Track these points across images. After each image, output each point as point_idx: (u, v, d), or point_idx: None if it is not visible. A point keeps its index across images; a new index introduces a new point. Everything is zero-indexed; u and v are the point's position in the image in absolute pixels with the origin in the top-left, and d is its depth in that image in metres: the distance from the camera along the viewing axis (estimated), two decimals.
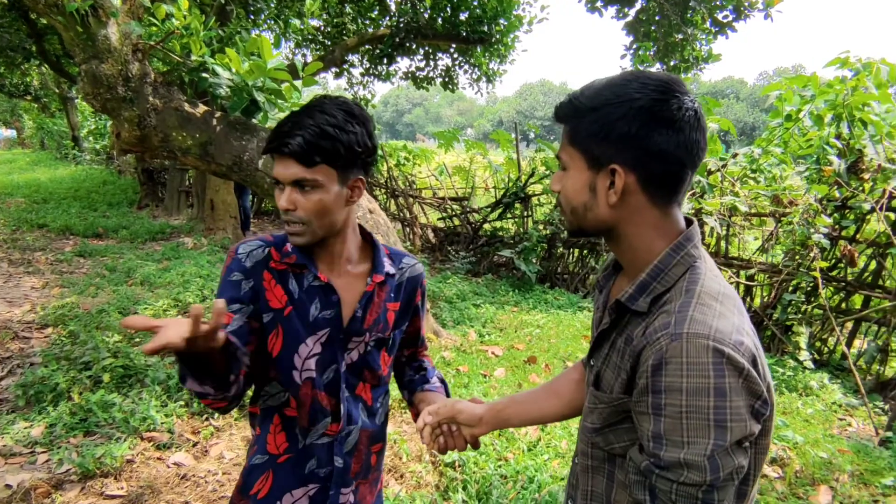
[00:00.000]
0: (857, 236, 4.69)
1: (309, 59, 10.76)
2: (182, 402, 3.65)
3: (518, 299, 6.47)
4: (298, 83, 4.25)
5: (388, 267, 1.40)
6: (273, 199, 4.17)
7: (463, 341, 5.03)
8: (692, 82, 7.81)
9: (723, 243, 5.61)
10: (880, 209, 4.07)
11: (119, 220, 10.36)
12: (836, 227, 4.55)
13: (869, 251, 4.62)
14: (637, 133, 0.92)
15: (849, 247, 4.17)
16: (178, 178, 11.88)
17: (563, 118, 1.01)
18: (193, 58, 3.97)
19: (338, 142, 1.19)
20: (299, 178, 1.20)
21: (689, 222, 1.03)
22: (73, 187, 14.13)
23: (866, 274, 4.67)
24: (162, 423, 3.39)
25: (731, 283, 5.53)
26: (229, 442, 3.38)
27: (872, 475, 3.09)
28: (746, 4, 6.40)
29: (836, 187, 4.46)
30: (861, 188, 4.37)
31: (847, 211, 4.58)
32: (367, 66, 11.36)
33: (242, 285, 1.27)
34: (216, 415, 3.57)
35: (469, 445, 1.36)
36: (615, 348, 1.03)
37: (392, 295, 1.41)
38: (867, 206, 4.24)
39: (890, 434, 3.44)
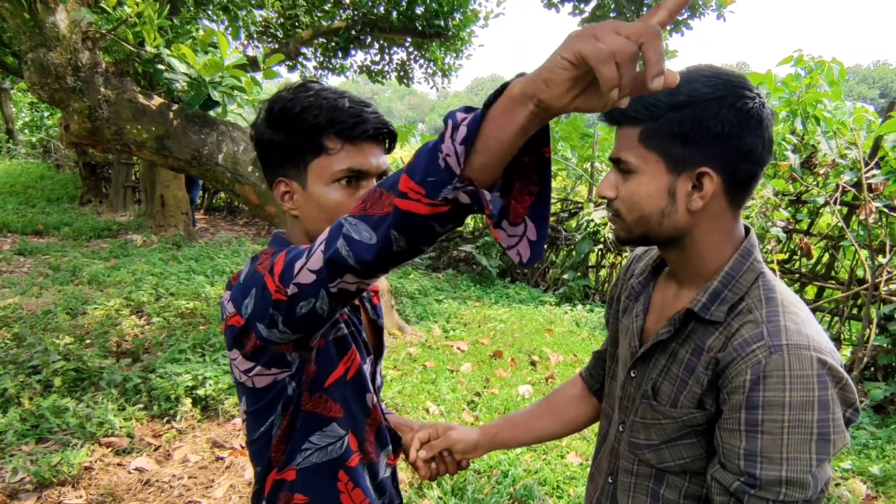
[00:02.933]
0: (811, 229, 4.89)
1: (261, 51, 10.52)
2: (141, 405, 3.52)
3: (480, 294, 6.49)
4: (258, 76, 4.15)
5: None
6: (235, 195, 4.06)
7: (427, 337, 5.01)
8: None
9: None
10: (833, 203, 4.25)
11: (60, 217, 9.91)
12: (791, 220, 4.73)
13: (822, 244, 4.83)
14: (730, 133, 0.87)
15: (805, 239, 4.33)
16: (123, 172, 11.45)
17: (631, 118, 0.91)
18: (148, 48, 3.82)
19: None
20: (386, 167, 1.06)
21: (746, 229, 0.99)
22: (8, 182, 13.42)
23: (819, 266, 4.87)
24: (120, 428, 3.26)
25: None
26: (193, 444, 3.27)
27: (832, 460, 3.22)
28: (700, 3, 6.57)
29: (791, 182, 4.63)
30: (815, 183, 4.55)
31: (801, 205, 4.77)
32: (321, 59, 11.18)
33: None
34: (178, 417, 3.46)
35: (459, 468, 1.33)
36: (677, 360, 0.97)
37: (375, 306, 1.30)
38: (821, 201, 4.42)
39: (858, 418, 3.59)
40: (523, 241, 0.73)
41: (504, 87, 0.63)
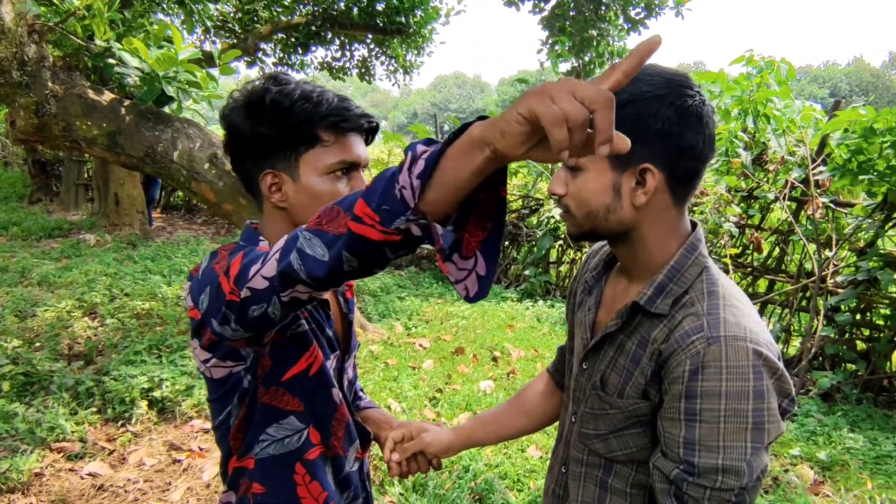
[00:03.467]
0: (762, 224, 5.04)
1: (219, 47, 10.32)
2: (94, 409, 3.43)
3: (442, 291, 6.50)
4: (215, 71, 4.07)
5: None
6: (191, 193, 3.99)
7: (390, 334, 5.00)
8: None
9: None
10: (783, 199, 4.38)
11: (8, 216, 9.58)
12: (744, 215, 4.87)
13: (773, 238, 4.98)
14: (670, 130, 0.89)
15: (756, 234, 4.45)
16: (75, 170, 11.11)
17: None
18: (97, 42, 3.72)
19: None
20: (368, 159, 1.08)
21: (692, 224, 1.02)
22: None
23: (770, 260, 5.02)
24: (73, 432, 3.17)
25: None
26: (149, 448, 3.21)
27: (781, 447, 3.33)
28: (657, 2, 6.71)
29: (743, 178, 4.76)
30: (766, 179, 4.69)
31: (753, 200, 4.91)
32: (281, 55, 11.03)
33: None
34: (133, 420, 3.38)
35: (431, 467, 1.33)
36: (623, 351, 0.99)
37: (349, 300, 1.31)
38: (771, 196, 4.56)
39: (794, 408, 3.72)
40: (472, 276, 0.74)
41: (465, 127, 0.65)
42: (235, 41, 10.14)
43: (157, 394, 3.56)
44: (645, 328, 0.97)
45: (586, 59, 8.01)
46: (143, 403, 3.50)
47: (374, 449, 3.13)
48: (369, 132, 1.09)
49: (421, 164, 0.66)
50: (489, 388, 4.01)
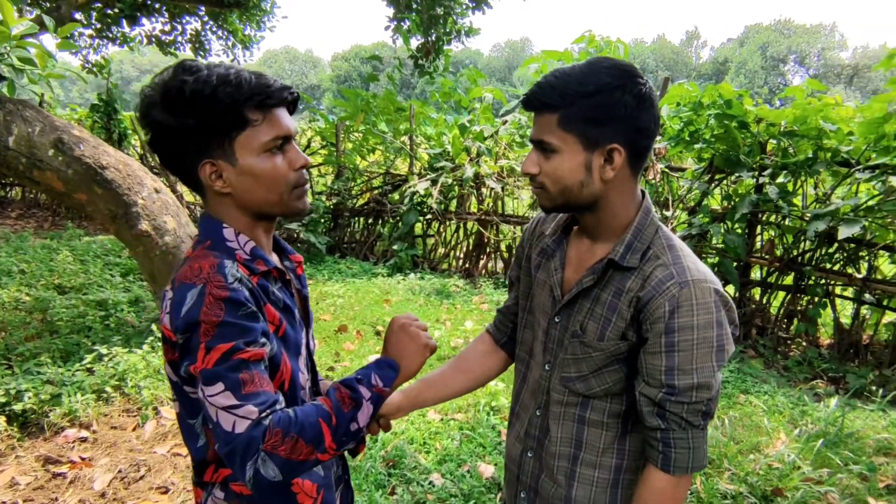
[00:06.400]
0: None
1: (26, 15, 9.09)
2: None
3: (311, 272, 6.42)
4: (51, 47, 3.66)
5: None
6: (33, 183, 3.58)
7: None
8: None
9: (499, 202, 6.22)
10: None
11: None
12: None
13: None
14: (631, 114, 1.05)
15: None
16: None
17: (549, 106, 1.07)
18: None
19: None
20: (297, 128, 1.10)
21: (642, 192, 1.20)
22: None
23: None
24: None
25: (510, 236, 6.14)
26: (19, 465, 2.92)
27: None
28: None
29: None
30: None
31: None
32: (99, 26, 9.99)
33: (259, 318, 1.00)
34: None
35: (381, 429, 1.36)
36: (600, 302, 1.15)
37: (300, 276, 1.32)
38: None
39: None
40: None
41: (390, 368, 1.14)
42: (42, 10, 9.01)
43: (16, 407, 3.22)
44: (617, 280, 1.14)
45: (434, 36, 8.17)
46: (1, 419, 3.15)
47: None
48: (292, 103, 1.10)
49: (370, 408, 1.05)
50: None
